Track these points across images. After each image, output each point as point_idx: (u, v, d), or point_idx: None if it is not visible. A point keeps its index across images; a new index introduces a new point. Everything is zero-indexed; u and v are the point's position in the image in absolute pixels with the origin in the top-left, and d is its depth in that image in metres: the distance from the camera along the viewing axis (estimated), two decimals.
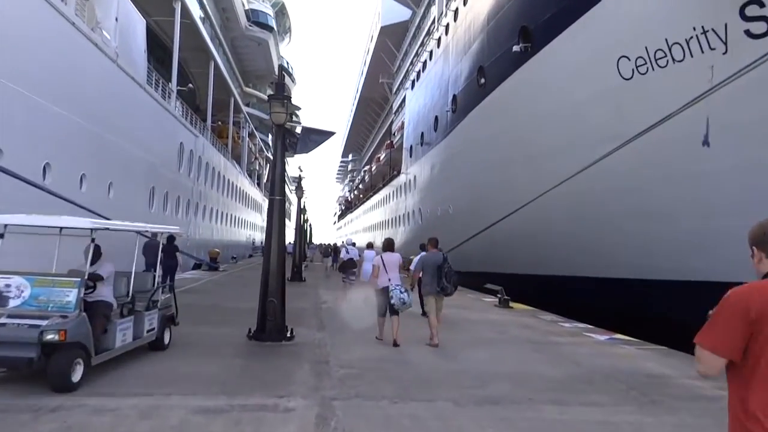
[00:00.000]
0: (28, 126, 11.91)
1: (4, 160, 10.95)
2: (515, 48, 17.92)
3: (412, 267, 10.57)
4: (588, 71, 15.26)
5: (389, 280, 8.30)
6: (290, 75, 69.34)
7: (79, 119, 14.13)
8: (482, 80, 21.64)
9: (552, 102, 16.74)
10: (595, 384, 6.44)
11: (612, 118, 14.85)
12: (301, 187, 22.64)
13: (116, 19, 16.95)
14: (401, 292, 8.14)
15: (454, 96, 25.59)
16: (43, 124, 12.49)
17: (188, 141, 26.83)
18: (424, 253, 9.22)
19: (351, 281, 13.67)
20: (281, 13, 66.74)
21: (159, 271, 16.32)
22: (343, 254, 15.70)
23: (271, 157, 58.90)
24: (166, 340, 7.51)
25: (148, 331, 6.94)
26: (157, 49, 28.61)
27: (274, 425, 4.57)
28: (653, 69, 13.62)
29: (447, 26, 28.20)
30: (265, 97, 63.17)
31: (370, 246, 12.11)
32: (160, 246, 15.38)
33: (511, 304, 14.26)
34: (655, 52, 13.42)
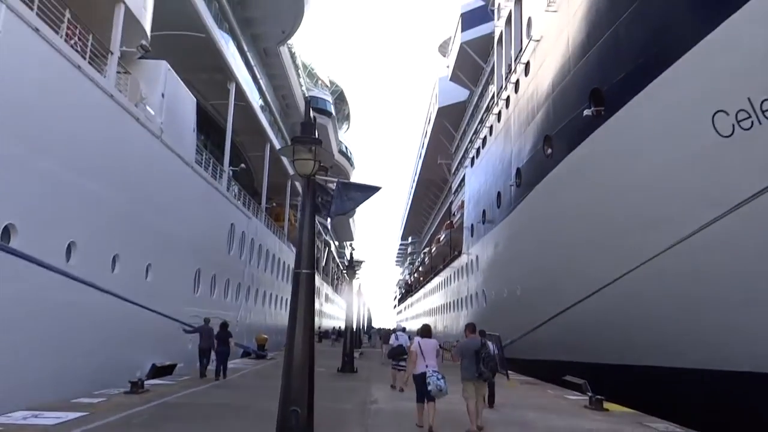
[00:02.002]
0: (51, 201, 10.91)
1: (18, 239, 9.84)
2: (586, 112, 16.21)
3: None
4: (675, 131, 13.29)
5: (426, 366, 8.35)
6: (349, 159, 70.03)
7: (113, 195, 13.18)
8: (549, 150, 19.91)
9: (632, 168, 14.74)
10: None
11: (709, 183, 12.70)
12: (353, 267, 20.99)
13: (162, 95, 16.44)
14: (438, 378, 8.14)
15: (518, 169, 23.88)
16: (70, 200, 11.51)
17: (240, 222, 26.00)
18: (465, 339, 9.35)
19: (401, 368, 13.04)
20: (340, 100, 68.38)
21: (212, 356, 15.25)
22: (392, 341, 14.61)
23: (317, 232, 57.15)
24: None
25: None
26: (215, 132, 28.61)
27: None
28: (759, 123, 11.55)
29: (507, 99, 26.97)
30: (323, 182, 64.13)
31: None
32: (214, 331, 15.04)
33: (605, 404, 11.64)
34: (762, 103, 11.40)
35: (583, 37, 17.02)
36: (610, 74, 15.47)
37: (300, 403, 5.73)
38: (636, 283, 14.69)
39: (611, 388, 14.03)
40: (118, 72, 14.29)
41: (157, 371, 15.62)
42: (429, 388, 8.14)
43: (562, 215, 18.83)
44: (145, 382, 11.82)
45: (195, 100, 19.91)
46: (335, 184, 6.00)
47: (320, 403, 7.08)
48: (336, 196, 5.93)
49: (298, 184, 47.29)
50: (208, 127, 27.97)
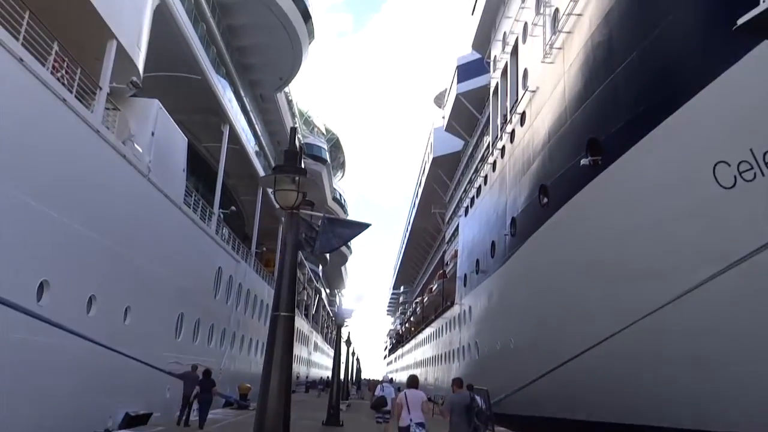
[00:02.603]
0: (23, 236, 10.35)
1: None
2: (583, 161, 15.94)
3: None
4: (675, 182, 12.98)
5: (411, 419, 8.33)
6: (343, 206, 69.87)
7: (92, 233, 12.63)
8: (545, 200, 19.60)
9: (630, 220, 14.36)
10: None
11: (711, 236, 12.31)
12: (343, 315, 20.22)
13: (152, 134, 16.12)
14: None
15: (513, 219, 23.53)
16: (44, 236, 10.95)
17: (228, 266, 25.35)
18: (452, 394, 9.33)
19: (386, 419, 12.88)
20: (336, 147, 68.83)
21: (195, 405, 14.67)
22: (377, 391, 14.51)
23: (312, 281, 56.30)
24: None
25: None
26: (207, 175, 28.29)
27: None
28: (763, 174, 11.26)
29: (503, 149, 26.90)
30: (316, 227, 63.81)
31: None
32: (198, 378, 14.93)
33: None
34: (765, 155, 11.14)
35: (579, 87, 16.96)
36: (607, 124, 15.30)
37: None
38: (636, 338, 14.09)
39: None
40: (107, 108, 13.99)
41: (131, 421, 14.72)
42: None
43: (557, 266, 18.36)
44: None
45: (186, 140, 19.62)
46: (321, 219, 5.52)
47: None
48: (321, 233, 5.45)
49: None
50: (201, 169, 27.69)
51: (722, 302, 12.12)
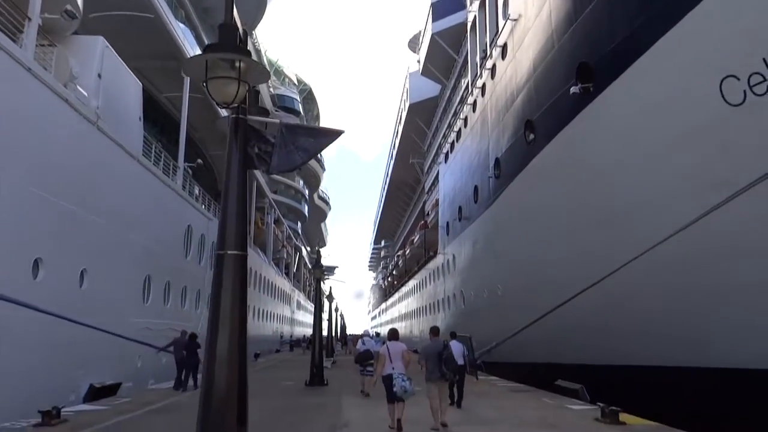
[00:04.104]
0: None
1: None
2: (573, 90, 14.70)
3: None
4: (676, 102, 11.84)
5: (393, 368, 8.66)
6: (319, 161, 67.97)
7: (32, 188, 11.13)
8: (531, 136, 18.40)
9: (628, 147, 13.26)
10: None
11: (716, 160, 11.28)
12: (321, 266, 19.00)
13: (99, 76, 14.40)
14: (403, 380, 8.43)
15: (497, 160, 22.36)
16: None
17: (199, 224, 23.85)
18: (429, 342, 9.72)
19: (369, 373, 12.99)
20: (309, 99, 66.56)
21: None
22: (359, 345, 14.59)
23: (280, 228, 54.88)
24: None
25: None
26: (171, 129, 26.45)
27: None
28: None
29: (483, 87, 25.46)
30: (292, 182, 61.79)
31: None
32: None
33: (621, 415, 9.73)
34: None
35: (568, 7, 15.55)
36: (599, 45, 14.01)
37: None
38: (634, 277, 13.16)
39: (611, 390, 12.54)
40: (41, 44, 12.27)
41: (98, 393, 13.54)
42: (394, 389, 8.42)
43: (547, 205, 17.31)
44: (67, 409, 9.83)
45: (141, 85, 17.84)
46: (278, 128, 4.14)
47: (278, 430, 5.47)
48: (279, 145, 4.08)
49: (264, 183, 44.91)
50: (162, 120, 25.90)
51: (728, 231, 11.19)
